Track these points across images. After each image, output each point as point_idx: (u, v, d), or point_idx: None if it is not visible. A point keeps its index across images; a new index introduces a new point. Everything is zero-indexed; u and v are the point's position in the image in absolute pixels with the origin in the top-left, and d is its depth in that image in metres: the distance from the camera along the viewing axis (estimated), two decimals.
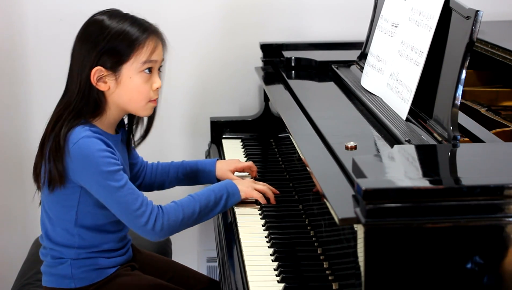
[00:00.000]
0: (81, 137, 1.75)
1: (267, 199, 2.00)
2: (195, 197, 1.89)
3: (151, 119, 1.95)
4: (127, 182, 1.78)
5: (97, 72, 1.77)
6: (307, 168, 1.62)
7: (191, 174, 2.15)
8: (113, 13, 1.83)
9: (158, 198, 2.11)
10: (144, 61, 1.80)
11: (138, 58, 1.79)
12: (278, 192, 2.03)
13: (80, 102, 1.79)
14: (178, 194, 2.17)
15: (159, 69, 1.88)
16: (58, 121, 1.79)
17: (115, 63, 1.78)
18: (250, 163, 2.19)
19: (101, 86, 1.79)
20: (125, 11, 1.89)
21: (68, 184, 1.80)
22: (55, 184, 1.79)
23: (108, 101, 1.82)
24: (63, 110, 1.80)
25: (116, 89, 1.80)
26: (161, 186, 2.16)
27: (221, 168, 2.15)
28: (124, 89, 1.80)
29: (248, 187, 1.97)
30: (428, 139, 1.64)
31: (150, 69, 1.83)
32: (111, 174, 1.75)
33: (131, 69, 1.79)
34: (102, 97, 1.81)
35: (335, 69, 2.34)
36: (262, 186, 2.01)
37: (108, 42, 1.77)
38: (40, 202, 1.92)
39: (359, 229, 1.27)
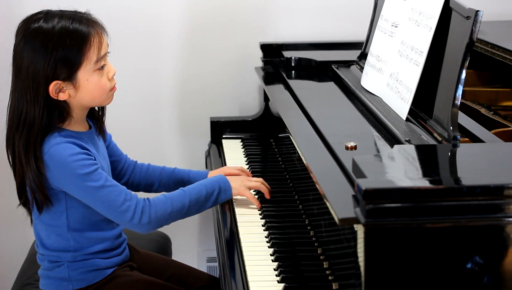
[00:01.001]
0: (51, 145, 1.75)
1: (262, 197, 2.01)
2: (186, 191, 1.89)
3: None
4: (106, 179, 1.78)
5: (54, 86, 1.75)
6: (307, 168, 1.62)
7: (182, 184, 2.12)
8: (47, 16, 1.78)
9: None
10: (95, 61, 1.78)
11: (89, 60, 1.77)
12: (269, 194, 2.03)
13: (43, 120, 1.76)
14: None
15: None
16: (28, 149, 1.76)
17: (69, 73, 1.76)
18: (239, 167, 2.17)
19: (61, 96, 1.77)
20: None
21: (52, 193, 1.80)
22: (43, 208, 1.81)
23: (71, 106, 1.81)
24: (27, 133, 1.76)
25: (77, 94, 1.78)
26: (148, 188, 2.15)
27: (211, 176, 2.14)
28: (85, 91, 1.79)
29: (241, 185, 1.97)
30: (428, 139, 1.64)
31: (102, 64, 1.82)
32: (88, 175, 1.75)
33: (86, 72, 1.78)
34: (65, 105, 1.80)
35: (335, 69, 2.34)
36: (255, 182, 2.01)
37: (56, 51, 1.73)
38: (31, 222, 1.92)
39: (359, 229, 1.27)
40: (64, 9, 1.82)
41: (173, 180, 2.13)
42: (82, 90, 1.79)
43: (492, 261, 1.29)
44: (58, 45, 1.74)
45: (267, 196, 2.01)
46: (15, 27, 1.83)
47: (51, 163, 1.75)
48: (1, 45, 2.72)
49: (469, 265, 1.28)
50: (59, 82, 1.75)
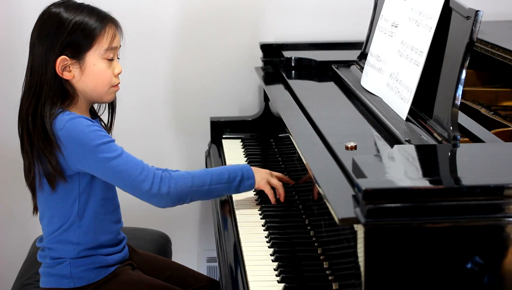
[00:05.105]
0: (66, 121, 1.77)
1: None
2: (209, 170, 1.90)
3: (114, 105, 1.98)
4: (123, 151, 1.80)
5: (61, 61, 1.79)
6: (307, 168, 1.62)
7: None
8: (69, 4, 1.84)
9: None
10: (106, 48, 1.82)
11: (100, 45, 1.81)
12: (293, 181, 2.04)
13: (49, 92, 1.79)
14: None
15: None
16: (35, 116, 1.79)
17: (79, 52, 1.80)
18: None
19: (66, 75, 1.80)
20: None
21: (67, 176, 1.81)
22: (55, 180, 1.81)
23: (76, 90, 1.83)
24: (35, 104, 1.79)
25: (81, 76, 1.82)
26: None
27: None
28: (89, 76, 1.82)
29: (263, 179, 1.97)
30: (428, 139, 1.64)
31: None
32: (105, 145, 1.77)
33: (94, 56, 1.81)
34: (69, 86, 1.82)
35: (335, 69, 2.34)
36: (277, 182, 2.00)
37: (68, 35, 1.79)
38: (35, 210, 1.92)
39: (359, 229, 1.27)
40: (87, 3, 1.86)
41: None
42: (87, 74, 1.81)
43: (492, 261, 1.29)
44: (72, 29, 1.78)
45: (282, 199, 2.00)
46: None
47: (68, 138, 1.76)
48: (1, 45, 2.73)
49: (469, 265, 1.28)
50: (67, 59, 1.79)
